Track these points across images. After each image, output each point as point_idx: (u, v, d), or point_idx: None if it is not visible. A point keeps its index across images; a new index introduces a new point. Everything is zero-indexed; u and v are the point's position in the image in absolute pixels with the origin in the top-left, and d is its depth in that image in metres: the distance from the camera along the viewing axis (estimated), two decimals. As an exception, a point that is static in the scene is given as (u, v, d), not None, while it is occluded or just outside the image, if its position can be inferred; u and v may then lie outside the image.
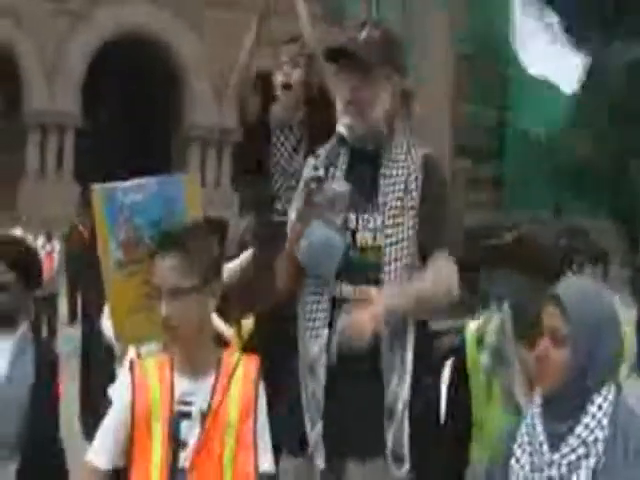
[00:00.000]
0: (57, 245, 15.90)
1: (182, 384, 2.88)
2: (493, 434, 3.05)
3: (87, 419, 6.28)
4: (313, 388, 3.15)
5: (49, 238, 15.84)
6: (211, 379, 2.89)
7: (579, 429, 2.34)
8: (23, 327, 4.03)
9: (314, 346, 3.15)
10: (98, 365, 5.83)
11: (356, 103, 3.22)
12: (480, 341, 3.17)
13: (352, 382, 3.11)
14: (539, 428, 2.40)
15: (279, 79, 4.52)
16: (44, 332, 13.89)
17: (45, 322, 14.50)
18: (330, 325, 3.14)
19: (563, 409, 2.38)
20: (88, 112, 27.20)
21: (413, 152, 3.28)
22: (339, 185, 3.18)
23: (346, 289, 3.16)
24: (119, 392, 2.96)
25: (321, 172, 3.13)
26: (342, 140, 3.24)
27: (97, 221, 3.93)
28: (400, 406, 3.12)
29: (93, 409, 6.18)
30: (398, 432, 3.12)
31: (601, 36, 22.59)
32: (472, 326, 3.25)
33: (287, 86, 4.49)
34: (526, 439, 2.43)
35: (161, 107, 28.99)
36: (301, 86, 4.53)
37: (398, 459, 3.12)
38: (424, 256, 3.18)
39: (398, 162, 3.25)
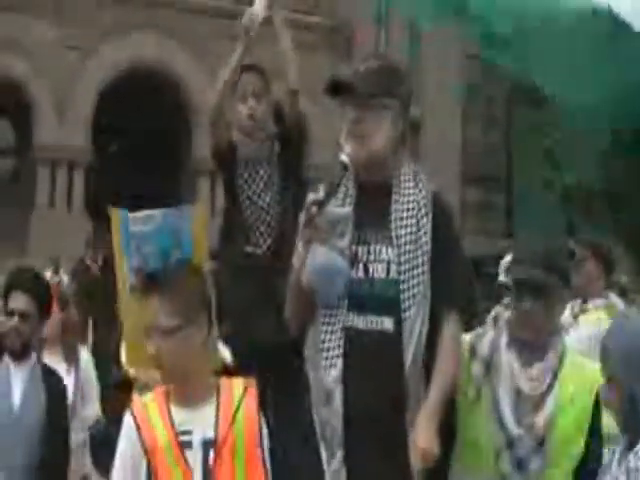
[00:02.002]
0: (65, 279, 15.80)
1: (179, 414, 2.90)
2: (477, 447, 3.07)
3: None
4: (329, 418, 3.13)
5: (56, 271, 15.76)
6: (210, 408, 2.90)
7: None
8: (33, 357, 4.08)
9: (329, 376, 3.14)
10: (107, 399, 5.83)
11: (356, 135, 3.23)
12: (473, 351, 3.16)
13: (371, 412, 3.10)
14: None
15: (244, 112, 4.50)
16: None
17: None
18: (344, 355, 3.14)
19: None
20: (98, 145, 27.33)
21: (421, 185, 3.29)
22: (340, 208, 3.19)
23: (357, 319, 3.17)
24: (124, 433, 2.96)
25: (321, 195, 3.13)
26: (345, 169, 3.24)
27: (115, 241, 4.03)
28: None
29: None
30: None
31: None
32: (466, 337, 3.25)
33: (252, 118, 4.49)
34: None
35: (170, 140, 29.12)
36: (267, 121, 4.54)
37: None
38: (434, 306, 3.20)
39: (408, 195, 3.27)
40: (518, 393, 3.05)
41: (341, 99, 3.32)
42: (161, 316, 2.91)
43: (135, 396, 3.15)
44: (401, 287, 3.16)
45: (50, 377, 4.17)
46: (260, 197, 4.51)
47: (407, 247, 3.20)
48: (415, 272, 3.18)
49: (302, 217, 3.21)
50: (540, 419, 3.02)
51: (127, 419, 2.95)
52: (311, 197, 3.16)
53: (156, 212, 4.49)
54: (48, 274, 15.26)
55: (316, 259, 3.16)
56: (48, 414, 4.02)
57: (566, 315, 5.11)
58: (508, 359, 3.10)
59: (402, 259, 3.19)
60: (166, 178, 28.54)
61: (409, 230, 3.21)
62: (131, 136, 29.25)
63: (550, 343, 3.11)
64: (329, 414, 3.14)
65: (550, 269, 3.05)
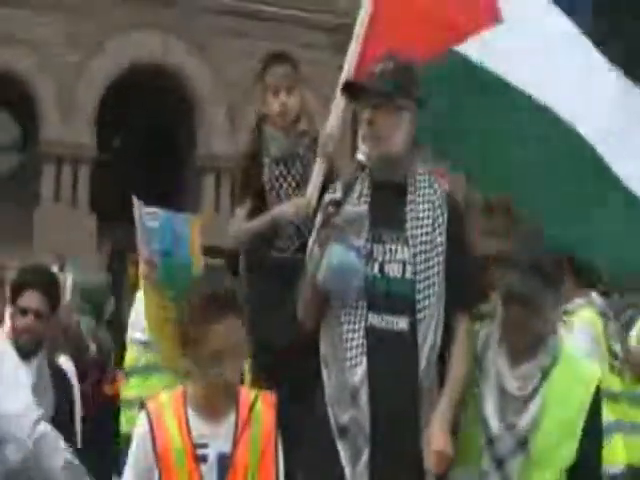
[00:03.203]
0: (69, 276, 15.55)
1: (197, 424, 2.83)
2: (464, 444, 3.08)
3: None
4: (355, 417, 3.12)
5: (62, 268, 15.57)
6: (229, 421, 2.84)
7: None
8: (42, 355, 4.07)
9: (355, 374, 3.14)
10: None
11: (373, 134, 3.23)
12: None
13: (392, 407, 3.12)
14: None
15: (276, 107, 4.33)
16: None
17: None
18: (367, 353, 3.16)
19: None
20: (102, 142, 27.32)
21: (435, 185, 3.31)
22: (356, 207, 3.20)
23: (373, 318, 3.17)
24: (137, 432, 2.89)
25: (339, 195, 3.14)
26: (362, 169, 3.26)
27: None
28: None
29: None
30: None
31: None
32: None
33: (284, 113, 4.35)
34: None
35: (175, 137, 29.10)
36: (299, 114, 4.40)
37: None
38: (446, 307, 3.23)
39: (423, 196, 3.28)
40: (503, 392, 3.01)
41: (358, 100, 3.32)
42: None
43: (153, 397, 3.02)
44: (416, 287, 3.18)
45: (58, 375, 4.16)
46: (290, 198, 4.27)
47: (422, 247, 3.21)
48: (430, 272, 3.19)
49: (319, 216, 3.22)
50: (523, 420, 2.98)
51: (141, 418, 2.89)
52: (328, 197, 3.16)
53: (160, 212, 4.51)
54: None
55: (333, 258, 3.16)
56: (56, 411, 4.00)
57: None
58: (495, 357, 3.07)
59: (417, 259, 3.20)
60: (170, 175, 28.52)
61: (425, 230, 3.23)
62: (135, 132, 29.23)
63: (543, 343, 3.06)
64: (356, 412, 3.13)
65: (534, 274, 2.98)
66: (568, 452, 2.99)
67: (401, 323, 3.17)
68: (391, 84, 3.25)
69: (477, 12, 3.73)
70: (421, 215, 3.24)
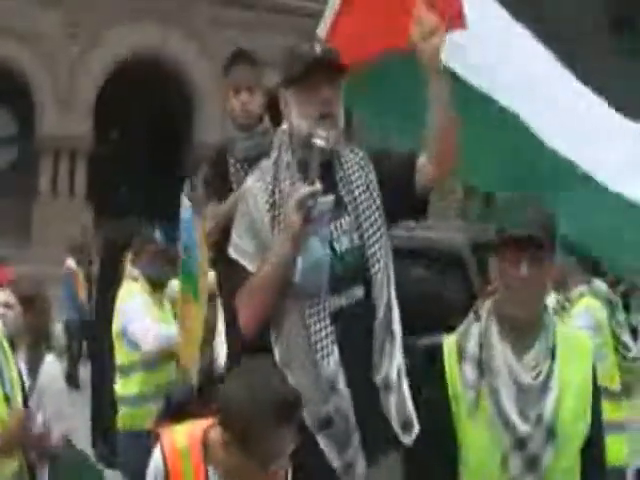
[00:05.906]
0: (81, 270, 15.15)
1: None
2: (480, 455, 2.84)
3: (99, 444, 6.32)
4: (339, 405, 3.08)
5: (82, 263, 15.14)
6: None
7: None
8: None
9: (329, 364, 3.08)
10: (109, 392, 5.84)
11: (330, 115, 3.18)
12: (461, 353, 2.91)
13: (358, 387, 3.09)
14: None
15: (238, 106, 4.31)
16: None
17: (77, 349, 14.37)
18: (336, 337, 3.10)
19: None
20: (100, 134, 27.28)
21: (356, 150, 3.30)
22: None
23: (336, 300, 3.12)
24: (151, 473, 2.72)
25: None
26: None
27: None
28: (394, 374, 3.13)
29: (104, 434, 6.21)
30: (401, 400, 3.14)
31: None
32: (450, 338, 2.98)
33: (246, 112, 4.29)
34: None
35: (173, 127, 29.07)
36: (262, 113, 4.37)
37: (407, 426, 3.14)
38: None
39: (350, 161, 3.26)
40: (519, 386, 2.82)
41: (317, 77, 3.21)
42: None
43: (169, 436, 2.76)
44: (365, 245, 3.16)
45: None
46: None
47: (361, 207, 3.19)
48: (375, 227, 3.18)
49: (292, 210, 3.07)
50: (546, 410, 2.80)
51: (157, 463, 2.73)
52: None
53: (189, 208, 4.60)
54: (71, 263, 14.87)
55: (313, 253, 3.07)
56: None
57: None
58: (502, 351, 2.90)
59: (360, 220, 3.17)
60: (169, 165, 28.50)
61: (360, 190, 3.21)
62: (133, 123, 29.19)
63: (542, 324, 2.91)
64: (337, 400, 3.08)
65: (545, 230, 2.83)
66: (585, 427, 2.85)
67: (358, 291, 3.13)
68: (340, 61, 3.23)
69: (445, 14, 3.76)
70: (352, 178, 3.22)
